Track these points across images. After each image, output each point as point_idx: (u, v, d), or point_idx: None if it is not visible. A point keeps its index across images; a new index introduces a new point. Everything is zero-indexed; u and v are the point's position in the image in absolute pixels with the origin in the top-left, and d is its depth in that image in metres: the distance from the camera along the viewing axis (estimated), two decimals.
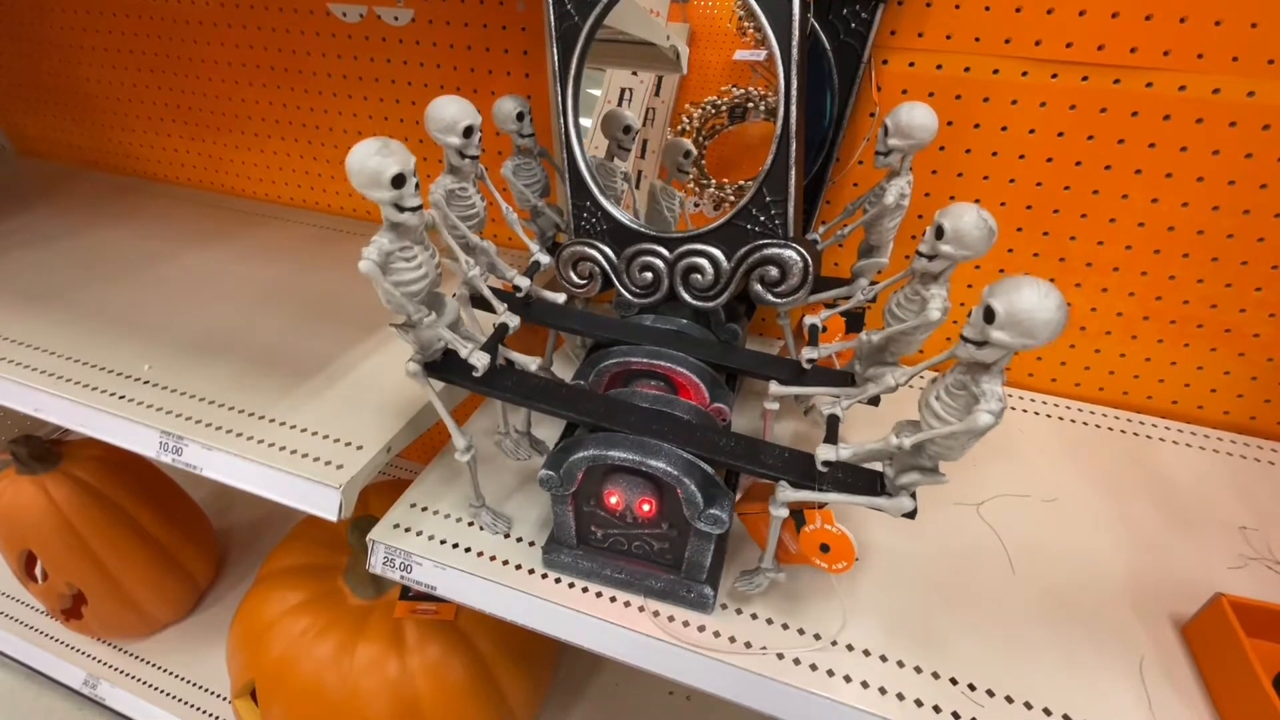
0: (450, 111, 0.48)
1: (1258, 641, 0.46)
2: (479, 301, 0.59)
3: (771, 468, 0.44)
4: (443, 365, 0.50)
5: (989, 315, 0.32)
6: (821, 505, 0.43)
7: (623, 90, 0.63)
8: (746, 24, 0.57)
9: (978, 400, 0.34)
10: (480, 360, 0.47)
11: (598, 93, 0.62)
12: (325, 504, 0.54)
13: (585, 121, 0.60)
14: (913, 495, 0.40)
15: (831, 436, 0.43)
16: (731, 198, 0.64)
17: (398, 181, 0.39)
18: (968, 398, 0.35)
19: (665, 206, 0.64)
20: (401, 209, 0.40)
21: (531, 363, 0.51)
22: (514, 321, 0.51)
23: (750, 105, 0.59)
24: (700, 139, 0.62)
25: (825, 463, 0.42)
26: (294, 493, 0.55)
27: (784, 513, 0.43)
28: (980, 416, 0.33)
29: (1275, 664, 0.45)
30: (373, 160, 0.38)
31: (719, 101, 0.60)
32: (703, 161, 0.63)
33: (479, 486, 0.55)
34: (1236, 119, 0.57)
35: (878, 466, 0.43)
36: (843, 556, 0.43)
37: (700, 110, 0.61)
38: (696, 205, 0.64)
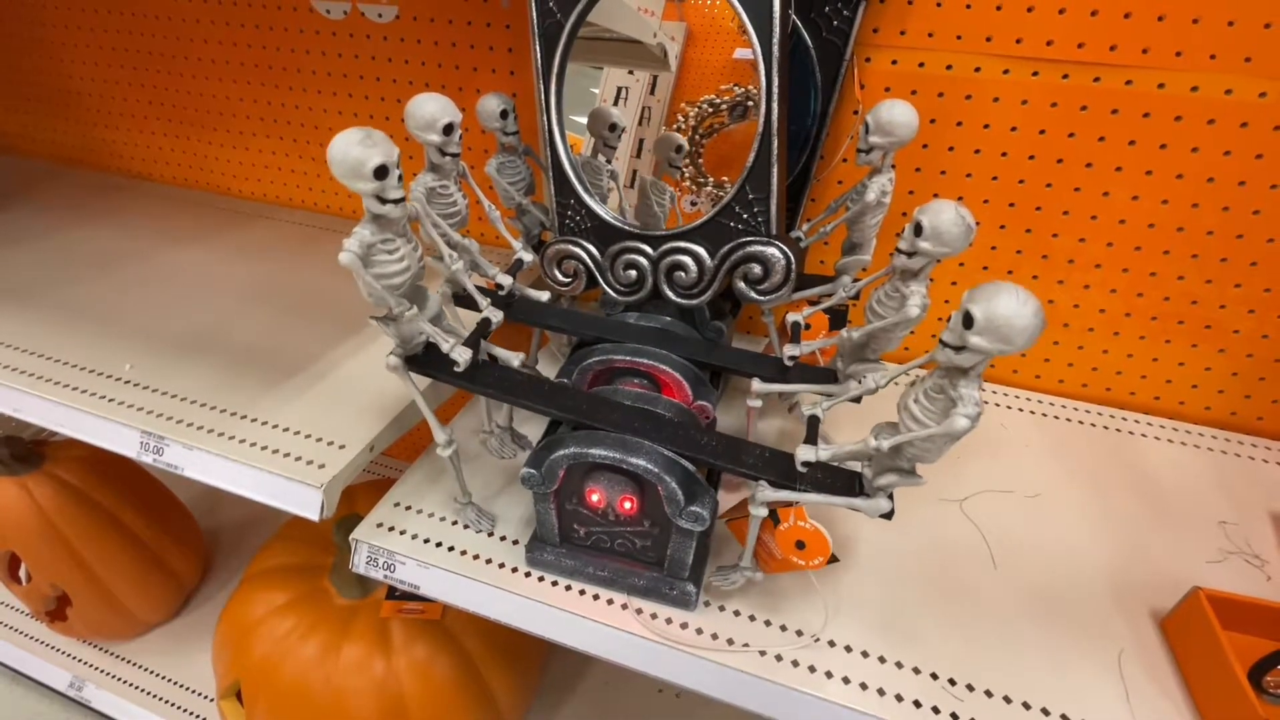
0: (429, 109, 0.48)
1: (1234, 634, 0.47)
2: (462, 300, 0.59)
3: (752, 467, 0.44)
4: (424, 359, 0.49)
5: (968, 321, 0.33)
6: (793, 504, 0.43)
7: (619, 89, 0.63)
8: None
9: (955, 404, 0.35)
10: (462, 355, 0.46)
11: (598, 90, 0.62)
12: (307, 504, 0.54)
13: (581, 119, 0.60)
14: (890, 496, 0.41)
15: (811, 437, 0.43)
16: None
17: (380, 173, 0.37)
18: (945, 401, 0.36)
19: (655, 201, 0.64)
20: (384, 201, 0.39)
21: (514, 358, 0.51)
22: (497, 316, 0.51)
23: (750, 104, 0.58)
24: (697, 137, 0.62)
25: (805, 463, 0.42)
26: (275, 492, 0.55)
27: (763, 512, 0.44)
28: (957, 420, 0.34)
29: (1251, 656, 0.45)
30: (355, 150, 0.37)
31: (718, 100, 0.60)
32: (700, 160, 0.63)
33: (464, 482, 0.55)
34: (1215, 116, 0.58)
35: (856, 467, 0.43)
36: (818, 552, 0.43)
37: (696, 109, 0.61)
38: (694, 204, 0.64)
